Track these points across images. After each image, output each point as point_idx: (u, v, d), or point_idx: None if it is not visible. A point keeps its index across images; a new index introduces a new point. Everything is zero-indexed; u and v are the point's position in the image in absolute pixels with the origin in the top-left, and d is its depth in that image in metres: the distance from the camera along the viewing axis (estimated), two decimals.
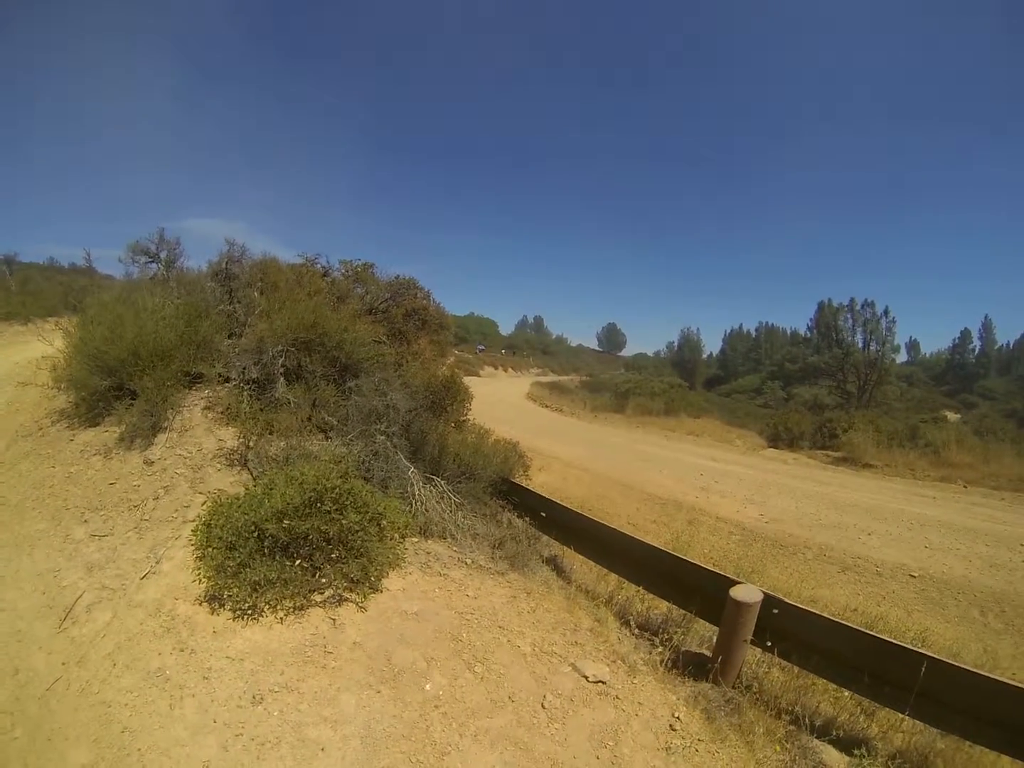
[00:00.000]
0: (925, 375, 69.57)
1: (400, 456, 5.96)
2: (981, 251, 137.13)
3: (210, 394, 6.55)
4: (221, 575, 4.03)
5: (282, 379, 6.50)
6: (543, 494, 6.55)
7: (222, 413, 6.22)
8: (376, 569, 4.42)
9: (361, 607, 4.27)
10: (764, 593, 3.95)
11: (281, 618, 4.01)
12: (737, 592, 3.94)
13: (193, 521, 4.55)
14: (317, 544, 4.23)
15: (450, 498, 5.96)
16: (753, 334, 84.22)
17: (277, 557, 4.11)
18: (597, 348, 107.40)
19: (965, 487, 14.31)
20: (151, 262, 9.09)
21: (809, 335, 59.18)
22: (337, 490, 4.32)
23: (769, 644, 3.91)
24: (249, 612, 3.97)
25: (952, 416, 46.02)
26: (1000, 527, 10.01)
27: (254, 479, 5.31)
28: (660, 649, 4.47)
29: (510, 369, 64.51)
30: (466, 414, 8.29)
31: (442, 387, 7.78)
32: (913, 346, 76.54)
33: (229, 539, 4.07)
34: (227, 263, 8.41)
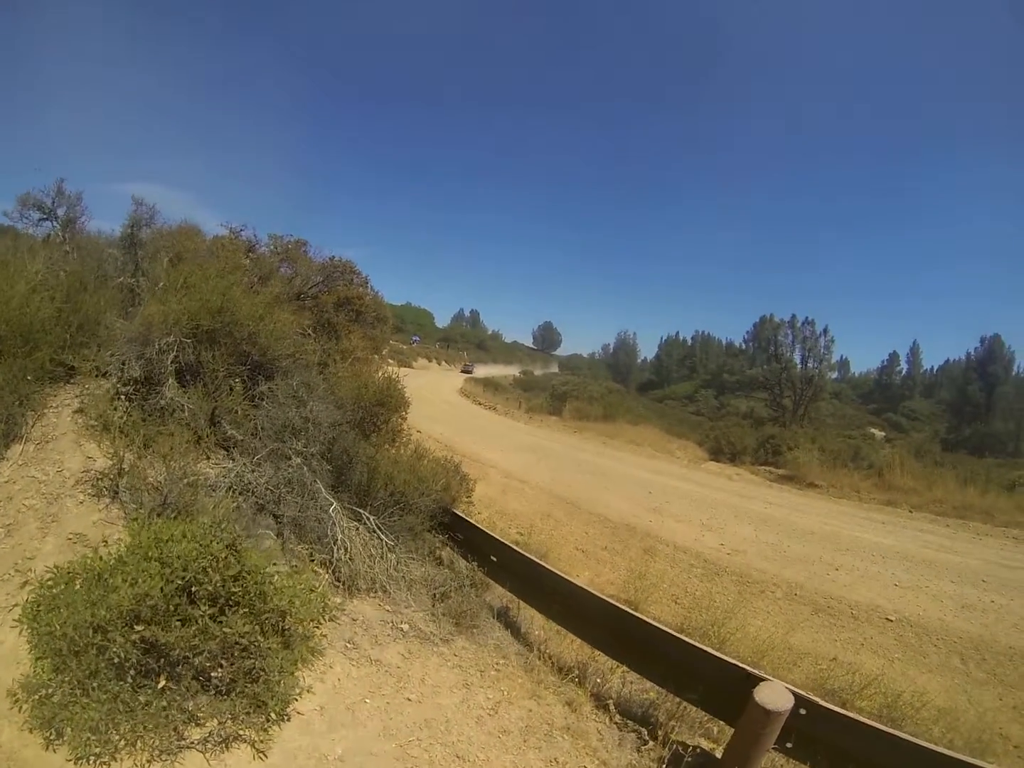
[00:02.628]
0: (853, 393, 73.96)
1: (320, 485, 4.94)
2: (910, 277, 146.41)
3: (83, 392, 5.27)
4: (58, 691, 2.78)
5: (172, 379, 5.25)
6: (495, 535, 5.60)
7: (97, 419, 4.90)
8: (280, 690, 3.19)
9: (259, 751, 3.03)
10: (795, 695, 3.33)
11: (143, 764, 2.81)
12: (764, 696, 3.24)
13: (37, 585, 3.11)
14: (187, 659, 2.98)
15: (381, 538, 5.01)
16: (689, 342, 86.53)
17: (131, 674, 2.84)
18: (532, 346, 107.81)
19: (911, 512, 14.55)
20: (44, 219, 7.95)
21: (745, 347, 61.13)
22: (219, 576, 3.03)
23: (790, 746, 3.30)
24: (97, 754, 2.73)
25: (878, 433, 49.30)
26: (956, 559, 10.07)
27: (126, 520, 4.07)
28: (651, 744, 3.74)
29: (443, 362, 64.20)
30: (402, 425, 7.35)
31: (376, 397, 6.60)
32: (843, 364, 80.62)
33: (70, 635, 2.79)
34: (133, 227, 7.29)
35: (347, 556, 4.59)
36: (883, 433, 51.13)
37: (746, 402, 47.93)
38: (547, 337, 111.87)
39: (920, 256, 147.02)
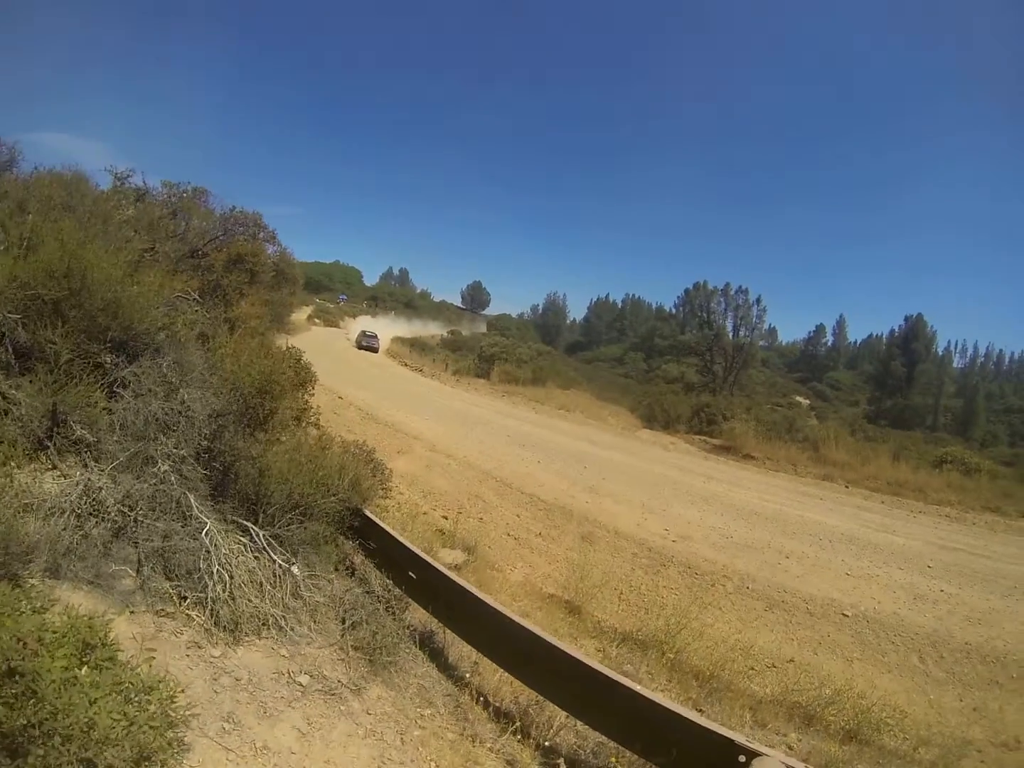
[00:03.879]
0: (780, 361, 76.97)
1: (191, 498, 3.93)
2: (839, 252, 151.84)
3: None
4: None
5: None
6: (413, 547, 4.69)
7: None
8: None
9: None
10: None
11: None
12: None
13: None
14: None
15: (274, 557, 4.06)
16: (619, 305, 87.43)
17: None
18: (461, 305, 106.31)
19: (847, 488, 14.79)
20: None
21: (676, 312, 62.29)
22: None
23: None
24: None
25: (803, 402, 52.22)
26: (899, 541, 10.19)
27: None
28: None
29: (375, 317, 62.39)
30: (309, 404, 6.32)
31: (263, 378, 5.24)
32: (771, 333, 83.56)
33: None
34: None
35: (227, 592, 3.62)
36: (808, 402, 54.20)
37: (676, 367, 48.63)
38: (476, 297, 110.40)
39: (850, 233, 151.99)
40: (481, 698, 3.80)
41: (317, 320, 48.65)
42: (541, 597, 6.42)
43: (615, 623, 6.11)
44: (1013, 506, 13.36)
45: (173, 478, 3.93)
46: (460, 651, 4.35)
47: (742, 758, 2.72)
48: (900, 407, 55.58)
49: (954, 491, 14.13)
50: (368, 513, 5.06)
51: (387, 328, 45.37)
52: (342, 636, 3.90)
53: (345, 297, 74.83)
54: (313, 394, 6.84)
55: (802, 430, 20.08)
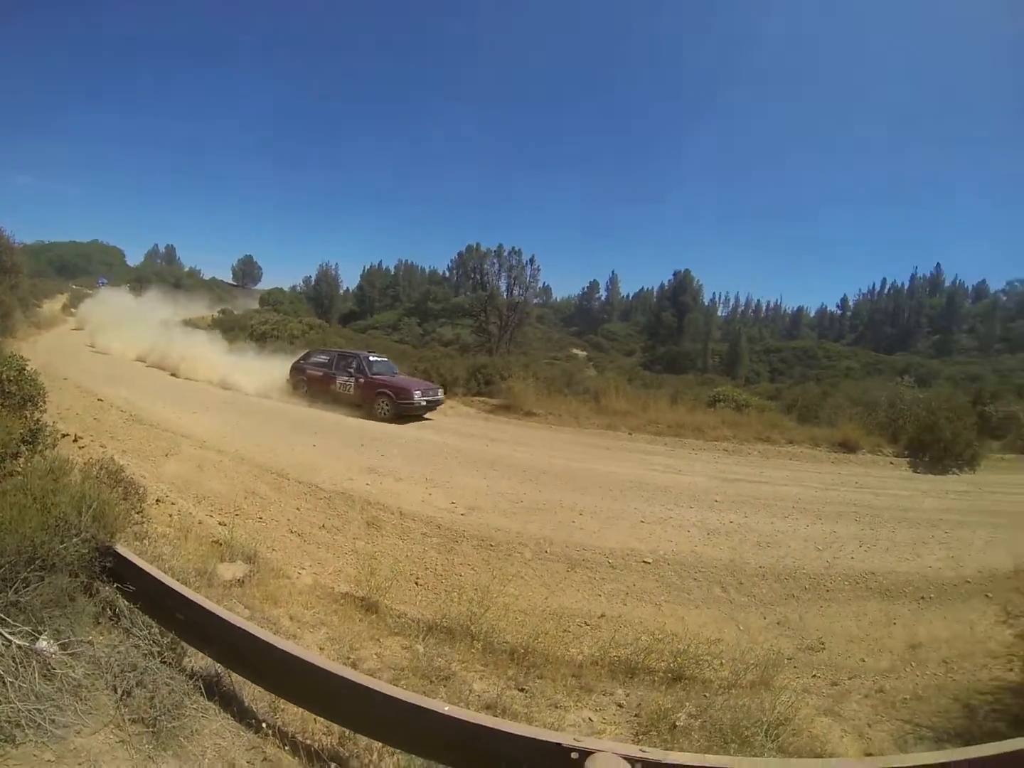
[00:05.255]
0: (556, 317, 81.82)
1: None
2: (610, 213, 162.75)
3: None
4: None
5: None
6: (175, 586, 3.64)
7: None
8: None
9: None
10: (628, 759, 2.32)
11: None
12: None
13: None
14: None
15: (9, 637, 2.80)
16: (392, 271, 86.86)
17: None
18: (232, 282, 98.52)
19: (630, 434, 15.53)
20: None
21: (449, 275, 63.24)
22: None
23: None
24: None
25: (580, 353, 56.39)
26: (685, 480, 10.87)
27: None
28: None
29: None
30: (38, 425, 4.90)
31: None
32: (546, 291, 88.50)
33: None
34: None
35: None
36: (585, 353, 58.59)
37: (452, 329, 49.39)
38: (248, 271, 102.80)
39: (621, 194, 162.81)
40: (289, 742, 3.06)
41: (74, 310, 41.60)
42: (335, 599, 5.80)
43: (417, 613, 5.71)
44: (780, 434, 14.90)
45: None
46: (255, 689, 3.46)
47: (575, 755, 2.45)
48: (673, 353, 63.03)
49: (728, 427, 15.41)
50: (120, 549, 3.86)
51: (152, 312, 38.96)
52: (116, 710, 2.84)
53: (106, 280, 65.98)
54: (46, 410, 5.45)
55: (582, 382, 20.87)
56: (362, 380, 16.28)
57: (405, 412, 15.38)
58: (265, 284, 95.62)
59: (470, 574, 6.60)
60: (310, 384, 17.13)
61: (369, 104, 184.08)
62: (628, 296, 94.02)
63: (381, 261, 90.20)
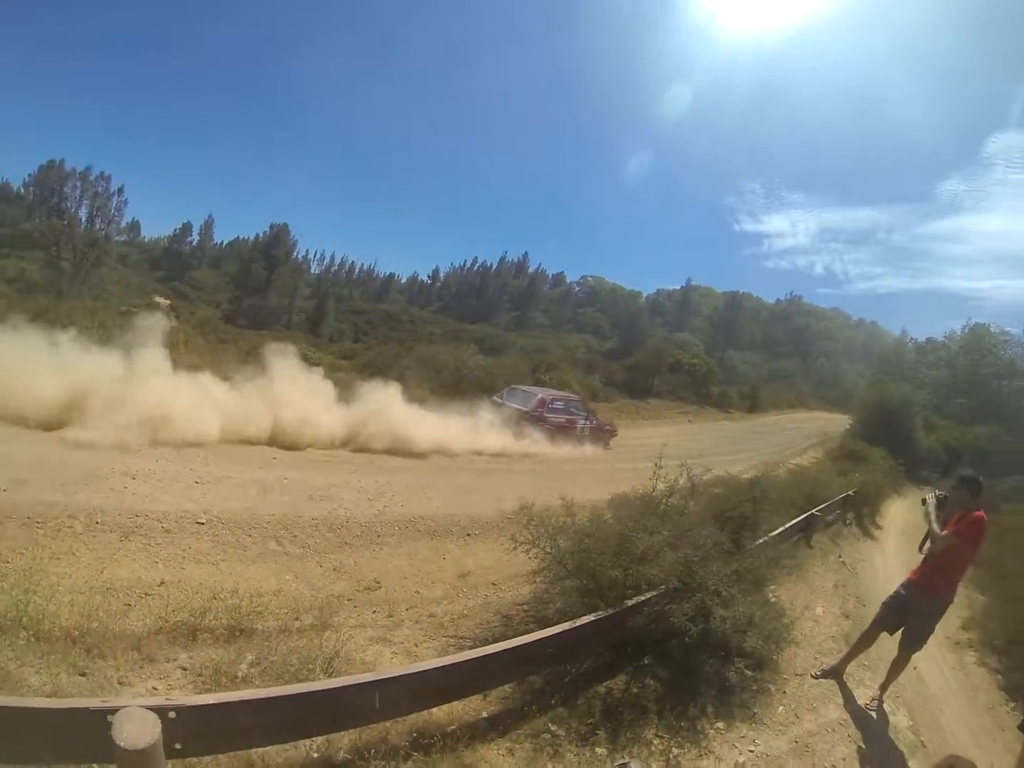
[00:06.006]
0: (142, 258, 73.97)
1: None
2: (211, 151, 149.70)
3: None
4: None
5: None
6: None
7: None
8: None
9: None
10: (154, 709, 2.72)
11: None
12: (125, 733, 2.56)
13: None
14: None
15: None
16: None
17: None
18: None
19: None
20: None
21: (22, 194, 53.72)
22: None
23: (179, 747, 2.91)
24: None
25: (163, 302, 51.66)
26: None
27: None
28: None
29: None
30: None
31: None
32: (134, 227, 78.63)
33: None
34: None
35: None
36: (169, 302, 53.89)
37: (17, 263, 41.44)
38: None
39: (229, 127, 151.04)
40: None
41: None
42: None
43: None
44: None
45: None
46: None
47: (110, 717, 2.63)
48: (259, 308, 61.12)
49: None
50: None
51: None
52: None
53: None
54: None
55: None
56: (594, 422, 18.95)
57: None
58: None
59: (17, 559, 5.79)
60: (556, 432, 17.33)
61: None
62: (221, 243, 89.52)
63: None
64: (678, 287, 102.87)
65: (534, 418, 17.13)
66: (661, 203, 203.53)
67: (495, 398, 18.33)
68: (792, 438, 33.00)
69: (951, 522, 5.92)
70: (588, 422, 18.73)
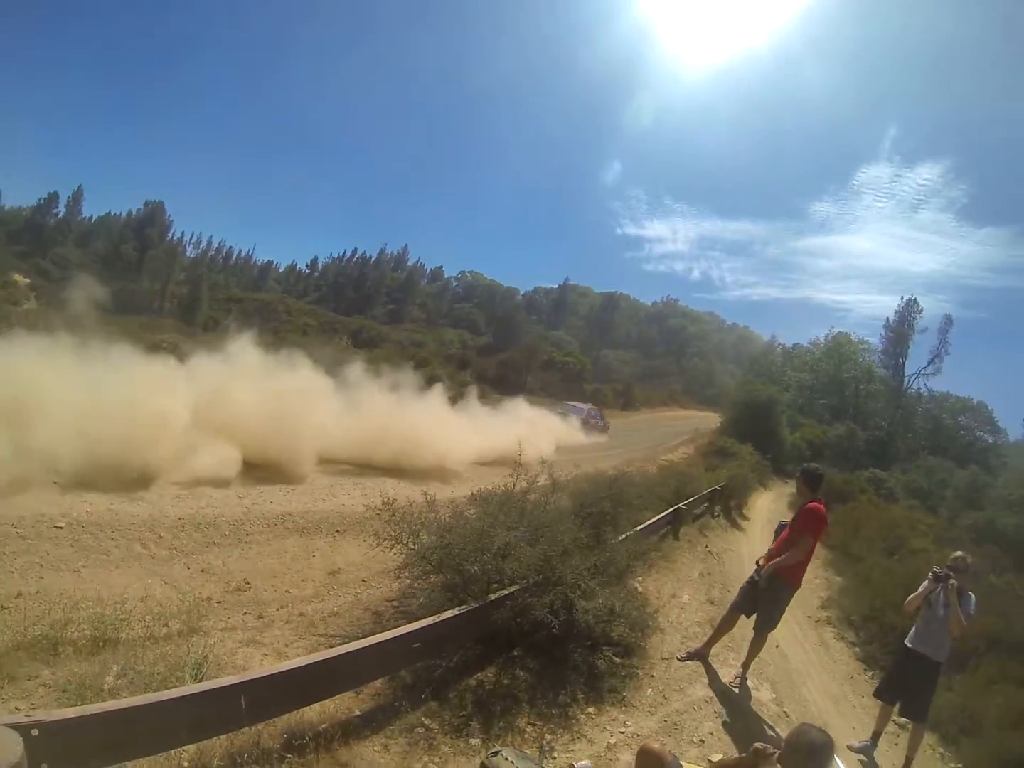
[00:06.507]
0: (1, 230, 68.08)
1: None
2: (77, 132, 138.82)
3: None
4: None
5: None
6: None
7: None
8: None
9: None
10: (16, 727, 2.61)
11: None
12: None
13: None
14: None
15: None
16: None
17: None
18: None
19: None
20: None
21: None
22: None
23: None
24: None
25: (22, 280, 49.57)
26: None
27: None
28: None
29: None
30: None
31: None
32: None
33: None
34: None
35: None
36: (28, 280, 51.18)
37: None
38: None
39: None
40: None
41: None
42: None
43: None
44: None
45: None
46: None
47: None
48: (128, 291, 57.17)
49: None
50: None
51: None
52: None
53: None
54: None
55: (6, 318, 19.07)
56: (605, 421, 32.43)
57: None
58: None
59: None
60: (592, 428, 29.19)
61: None
62: (91, 218, 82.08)
63: None
64: (555, 286, 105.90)
65: (584, 421, 28.40)
66: (545, 203, 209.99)
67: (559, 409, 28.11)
68: (664, 435, 34.64)
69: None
70: (603, 421, 31.48)
